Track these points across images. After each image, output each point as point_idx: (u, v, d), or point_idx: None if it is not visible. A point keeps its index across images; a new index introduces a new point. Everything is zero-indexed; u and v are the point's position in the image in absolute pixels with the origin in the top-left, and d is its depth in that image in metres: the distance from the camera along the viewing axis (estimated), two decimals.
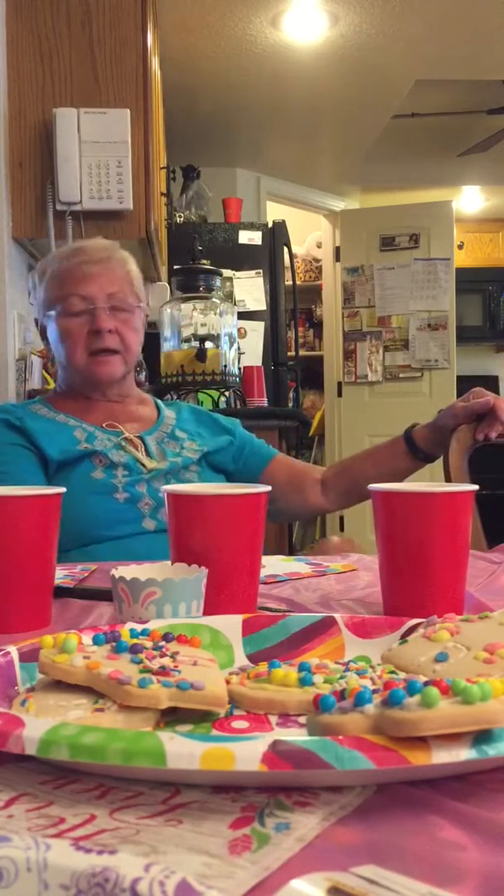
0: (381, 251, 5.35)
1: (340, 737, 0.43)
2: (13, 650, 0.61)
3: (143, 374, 2.73)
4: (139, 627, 0.65)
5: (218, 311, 2.66)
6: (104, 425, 1.48)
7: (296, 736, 0.48)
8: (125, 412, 1.55)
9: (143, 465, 1.43)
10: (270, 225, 4.04)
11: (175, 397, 2.60)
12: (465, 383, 6.37)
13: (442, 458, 1.56)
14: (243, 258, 3.94)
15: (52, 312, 1.51)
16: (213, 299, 2.69)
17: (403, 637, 0.66)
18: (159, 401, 1.66)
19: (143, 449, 1.47)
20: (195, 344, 2.57)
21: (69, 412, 1.51)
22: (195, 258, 2.79)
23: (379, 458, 1.54)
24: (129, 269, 1.55)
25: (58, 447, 1.41)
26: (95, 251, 1.52)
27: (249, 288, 3.93)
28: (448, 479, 1.66)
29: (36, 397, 1.62)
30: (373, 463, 1.54)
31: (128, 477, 1.40)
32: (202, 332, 2.62)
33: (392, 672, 0.57)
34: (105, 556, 1.30)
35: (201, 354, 2.55)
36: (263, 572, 0.98)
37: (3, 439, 1.43)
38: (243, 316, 3.79)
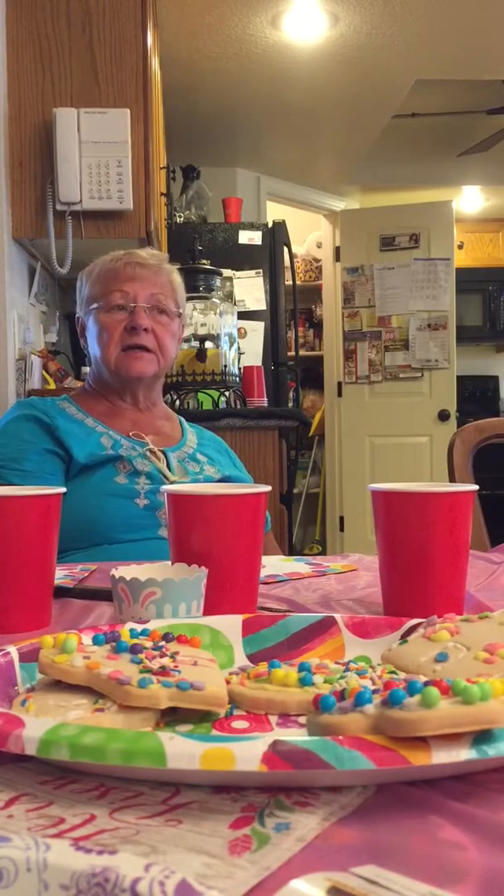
0: (381, 251, 5.34)
1: (340, 737, 0.43)
2: (13, 650, 0.61)
3: None
4: (139, 627, 0.65)
5: (218, 311, 2.66)
6: (130, 434, 1.49)
7: (296, 736, 0.48)
8: (151, 424, 1.55)
9: (166, 476, 1.44)
10: (270, 225, 4.04)
11: (175, 397, 2.60)
12: (465, 383, 6.35)
13: (447, 457, 1.56)
14: (243, 258, 3.94)
15: (94, 306, 1.52)
16: (213, 299, 2.69)
17: (403, 637, 0.66)
18: (184, 420, 1.67)
19: (164, 463, 1.48)
20: (195, 344, 2.57)
21: (97, 416, 1.51)
22: (195, 258, 2.79)
23: None
24: (173, 278, 1.59)
25: (85, 451, 1.41)
26: (145, 257, 1.56)
27: (249, 288, 3.93)
28: (452, 479, 1.66)
29: (62, 395, 1.63)
30: None
31: (150, 485, 1.41)
32: (202, 332, 2.61)
33: (392, 672, 0.57)
34: (116, 557, 1.30)
35: (201, 354, 2.55)
36: (263, 572, 0.98)
37: (30, 437, 1.43)
38: (243, 316, 3.78)
